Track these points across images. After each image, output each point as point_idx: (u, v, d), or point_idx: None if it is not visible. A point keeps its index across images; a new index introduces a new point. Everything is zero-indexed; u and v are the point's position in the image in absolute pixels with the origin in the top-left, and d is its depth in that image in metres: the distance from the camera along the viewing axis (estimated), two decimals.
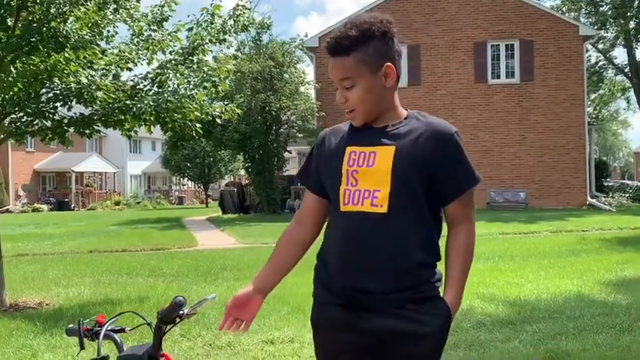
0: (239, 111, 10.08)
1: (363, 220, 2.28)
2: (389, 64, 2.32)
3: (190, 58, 9.06)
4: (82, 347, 2.67)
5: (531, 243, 14.01)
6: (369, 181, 2.30)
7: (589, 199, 26.75)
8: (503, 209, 25.17)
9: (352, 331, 2.31)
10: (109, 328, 2.74)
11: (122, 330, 2.82)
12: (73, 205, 46.73)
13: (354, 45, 2.28)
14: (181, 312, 2.52)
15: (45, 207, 43.91)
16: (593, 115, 41.88)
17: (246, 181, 34.73)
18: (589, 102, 36.58)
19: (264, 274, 2.51)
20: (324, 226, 2.52)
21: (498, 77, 27.32)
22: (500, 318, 6.88)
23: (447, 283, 2.36)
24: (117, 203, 46.96)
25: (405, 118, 2.39)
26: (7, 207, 39.87)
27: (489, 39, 27.19)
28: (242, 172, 42.68)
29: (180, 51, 9.10)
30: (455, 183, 2.36)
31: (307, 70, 30.02)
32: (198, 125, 9.11)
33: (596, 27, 34.33)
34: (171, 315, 2.50)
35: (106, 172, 55.42)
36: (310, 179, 2.53)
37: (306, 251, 2.56)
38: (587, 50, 31.56)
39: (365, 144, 2.34)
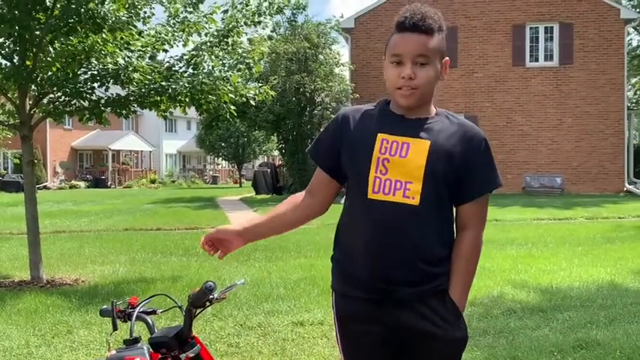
0: (273, 93, 10.10)
1: (394, 211, 2.29)
2: (447, 58, 2.40)
3: (225, 40, 9.12)
4: (115, 328, 2.73)
5: (566, 229, 13.84)
6: (400, 172, 2.30)
7: (627, 185, 26.31)
8: (538, 194, 24.89)
9: (378, 324, 2.33)
10: (141, 309, 2.80)
11: (154, 312, 2.88)
12: (109, 183, 47.46)
13: (437, 28, 2.33)
14: (211, 296, 2.56)
15: (82, 184, 44.66)
16: (634, 100, 40.94)
17: (280, 162, 34.87)
18: (629, 86, 35.88)
19: (256, 223, 2.56)
20: (340, 212, 2.50)
21: (537, 60, 26.89)
22: (530, 305, 6.85)
23: (456, 285, 2.37)
24: (152, 182, 47.56)
25: (435, 115, 2.42)
26: (44, 184, 40.57)
27: (528, 21, 26.70)
28: (276, 152, 42.81)
29: (216, 33, 9.16)
30: (479, 182, 2.40)
31: (342, 51, 29.91)
32: (232, 107, 9.18)
33: (637, 10, 33.57)
34: (201, 299, 2.55)
35: (142, 151, 56.06)
36: (323, 156, 2.50)
37: (306, 221, 2.59)
38: (629, 34, 30.97)
39: (398, 133, 2.34)
